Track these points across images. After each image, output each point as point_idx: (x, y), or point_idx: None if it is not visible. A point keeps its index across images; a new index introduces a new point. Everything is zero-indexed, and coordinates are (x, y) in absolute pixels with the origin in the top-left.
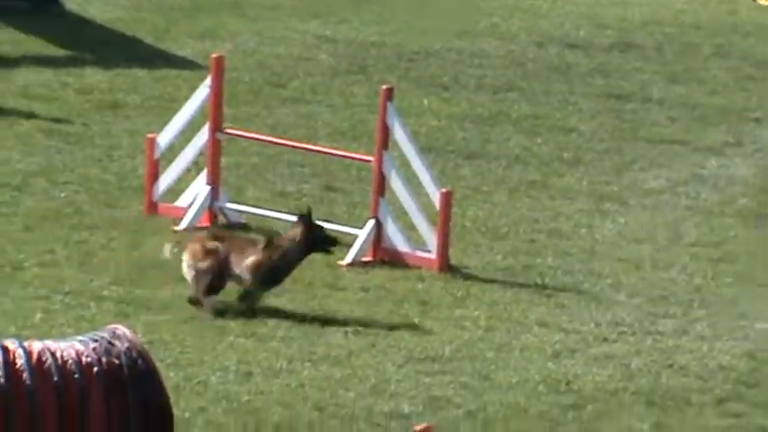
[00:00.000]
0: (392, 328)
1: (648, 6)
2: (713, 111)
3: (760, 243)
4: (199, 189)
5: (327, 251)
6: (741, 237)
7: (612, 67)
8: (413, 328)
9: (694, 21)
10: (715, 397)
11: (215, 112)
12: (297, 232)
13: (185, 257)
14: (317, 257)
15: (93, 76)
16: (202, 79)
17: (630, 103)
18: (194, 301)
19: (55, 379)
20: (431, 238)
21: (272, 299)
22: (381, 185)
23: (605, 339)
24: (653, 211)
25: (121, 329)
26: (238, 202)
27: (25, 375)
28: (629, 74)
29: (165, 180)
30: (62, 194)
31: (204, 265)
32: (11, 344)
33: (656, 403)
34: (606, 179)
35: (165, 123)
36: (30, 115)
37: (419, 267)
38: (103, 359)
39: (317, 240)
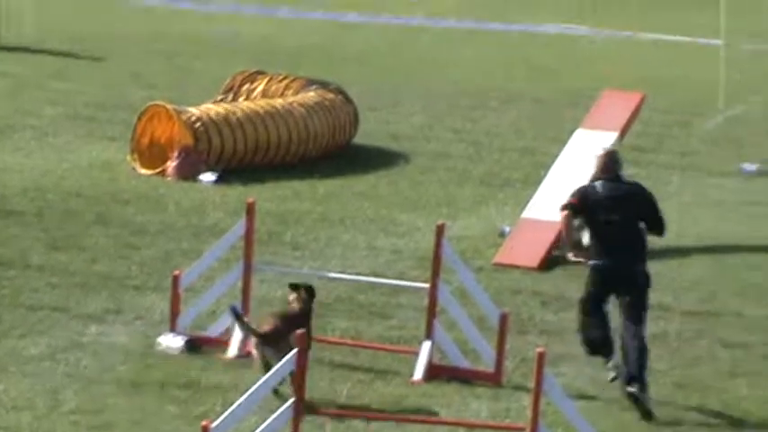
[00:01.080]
0: None
1: (29, 173)
2: (94, 278)
3: (138, 411)
4: None
5: None
6: (120, 404)
7: None
8: None
9: (76, 188)
10: None
11: None
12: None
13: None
14: None
15: None
16: None
17: (10, 269)
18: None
19: None
20: None
21: None
22: None
23: None
24: (33, 378)
25: None
26: None
27: None
28: (9, 240)
29: None
30: None
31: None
32: None
33: None
34: None
35: None
36: None
37: None
38: None
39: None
